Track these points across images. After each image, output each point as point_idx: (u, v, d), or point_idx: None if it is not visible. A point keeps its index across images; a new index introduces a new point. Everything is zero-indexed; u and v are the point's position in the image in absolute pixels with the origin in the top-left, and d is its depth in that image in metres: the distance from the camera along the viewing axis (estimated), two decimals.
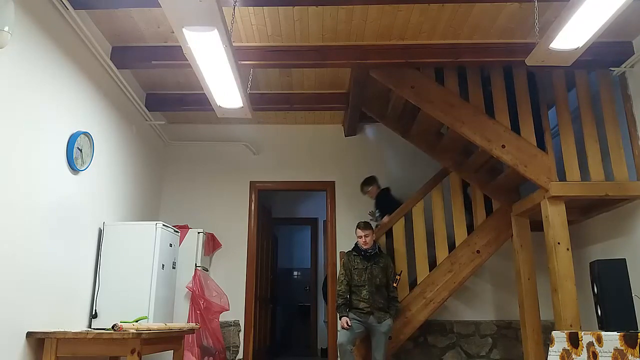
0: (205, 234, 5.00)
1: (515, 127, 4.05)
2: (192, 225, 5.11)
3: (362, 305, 4.10)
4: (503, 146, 3.97)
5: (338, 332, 4.22)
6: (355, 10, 3.59)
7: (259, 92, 5.03)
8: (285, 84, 4.92)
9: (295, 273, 9.41)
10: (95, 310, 3.78)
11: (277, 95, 5.10)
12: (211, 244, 5.17)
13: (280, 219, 7.62)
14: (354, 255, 4.28)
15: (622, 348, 2.49)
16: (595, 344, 2.73)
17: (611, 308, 2.90)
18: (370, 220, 5.11)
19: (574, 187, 3.86)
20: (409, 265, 4.66)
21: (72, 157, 3.43)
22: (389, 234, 4.75)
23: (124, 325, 3.11)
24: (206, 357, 4.54)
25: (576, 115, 4.22)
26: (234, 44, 3.07)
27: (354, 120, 5.35)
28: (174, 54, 4.03)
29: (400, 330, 4.41)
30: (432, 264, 4.68)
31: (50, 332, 3.02)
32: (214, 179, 5.61)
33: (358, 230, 4.27)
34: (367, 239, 4.22)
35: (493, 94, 4.14)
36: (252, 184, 5.61)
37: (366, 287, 4.13)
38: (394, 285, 4.23)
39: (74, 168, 3.49)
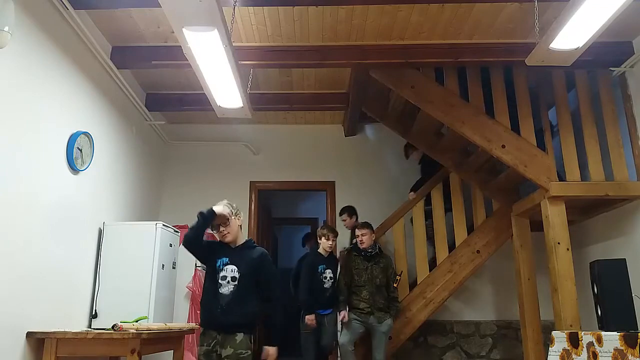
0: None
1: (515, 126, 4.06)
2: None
3: (362, 305, 4.10)
4: (503, 146, 3.97)
5: (339, 333, 4.21)
6: (355, 10, 3.59)
7: (259, 92, 5.03)
8: (285, 84, 4.92)
9: None
10: (95, 310, 3.77)
11: (277, 95, 5.09)
12: None
13: (280, 219, 7.62)
14: (355, 255, 4.28)
15: (622, 348, 2.49)
16: (595, 344, 2.73)
17: (611, 308, 2.90)
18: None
19: (574, 187, 3.86)
20: (409, 265, 4.66)
21: (72, 157, 3.43)
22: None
23: (124, 325, 3.11)
24: None
25: (576, 115, 4.22)
26: (234, 44, 3.07)
27: (354, 120, 5.34)
28: (174, 54, 4.03)
29: (400, 330, 4.40)
30: (432, 264, 4.68)
31: (50, 332, 3.02)
32: (214, 179, 5.61)
33: (356, 230, 4.28)
34: (364, 238, 4.22)
35: (493, 94, 4.14)
36: (252, 184, 5.61)
37: (366, 287, 4.13)
38: (394, 285, 4.23)
39: (74, 168, 3.49)
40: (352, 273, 4.21)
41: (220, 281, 2.76)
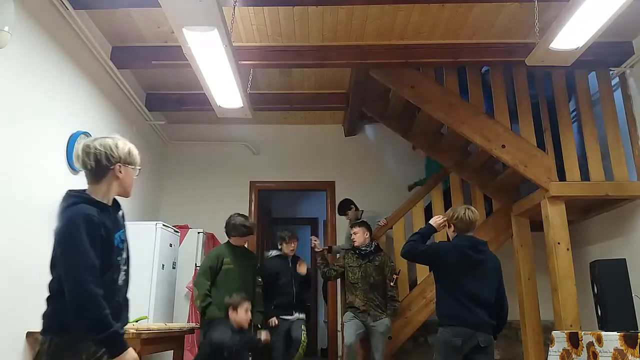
0: (205, 234, 5.00)
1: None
2: (192, 225, 5.11)
3: (357, 303, 4.11)
4: (503, 146, 3.96)
5: (344, 334, 4.17)
6: (355, 10, 3.59)
7: (259, 92, 5.03)
8: (285, 84, 4.92)
9: None
10: None
11: (277, 95, 5.09)
12: (211, 243, 5.17)
13: (280, 219, 7.61)
14: (351, 253, 4.30)
15: (622, 348, 2.49)
16: (595, 344, 2.73)
17: (611, 308, 2.91)
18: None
19: (574, 187, 3.86)
20: (410, 264, 4.65)
21: (72, 157, 3.43)
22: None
23: None
24: None
25: (576, 115, 4.22)
26: (234, 44, 3.07)
27: (354, 120, 5.34)
28: (174, 54, 4.03)
29: (400, 330, 4.40)
30: None
31: None
32: (214, 178, 5.61)
33: (350, 228, 4.30)
34: (356, 237, 4.25)
35: (493, 94, 4.13)
36: (252, 184, 5.61)
37: (359, 285, 4.14)
38: (391, 284, 4.22)
39: (74, 168, 3.49)
40: (346, 270, 4.25)
41: (121, 266, 1.80)
